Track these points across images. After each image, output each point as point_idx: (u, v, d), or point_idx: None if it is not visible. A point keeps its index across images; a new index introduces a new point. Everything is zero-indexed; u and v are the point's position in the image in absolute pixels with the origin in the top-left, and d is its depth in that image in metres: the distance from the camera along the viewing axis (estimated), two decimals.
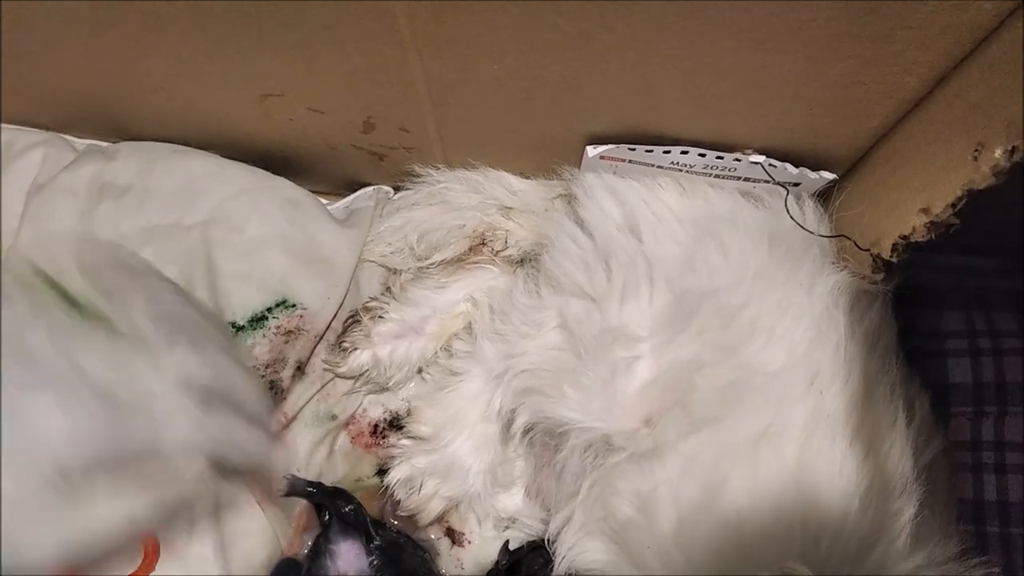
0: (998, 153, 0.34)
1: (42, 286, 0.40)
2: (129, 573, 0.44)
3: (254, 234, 0.53)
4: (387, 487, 0.53)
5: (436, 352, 0.57)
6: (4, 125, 0.58)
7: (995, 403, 0.57)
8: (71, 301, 0.40)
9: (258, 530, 0.50)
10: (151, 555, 0.44)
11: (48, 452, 0.35)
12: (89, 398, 0.36)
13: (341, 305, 0.56)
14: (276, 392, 0.51)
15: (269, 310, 0.52)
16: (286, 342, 0.52)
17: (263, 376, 0.51)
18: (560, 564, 0.49)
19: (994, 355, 0.58)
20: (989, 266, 0.63)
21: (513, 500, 0.57)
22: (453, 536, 0.56)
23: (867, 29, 0.36)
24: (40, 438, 0.35)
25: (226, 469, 0.42)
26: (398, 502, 0.53)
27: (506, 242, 0.58)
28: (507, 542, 0.55)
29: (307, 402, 0.54)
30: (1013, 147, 0.33)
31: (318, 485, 0.52)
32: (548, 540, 0.50)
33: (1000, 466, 0.56)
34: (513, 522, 0.56)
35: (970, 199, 0.40)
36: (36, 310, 0.39)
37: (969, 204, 0.44)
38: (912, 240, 0.42)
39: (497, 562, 0.55)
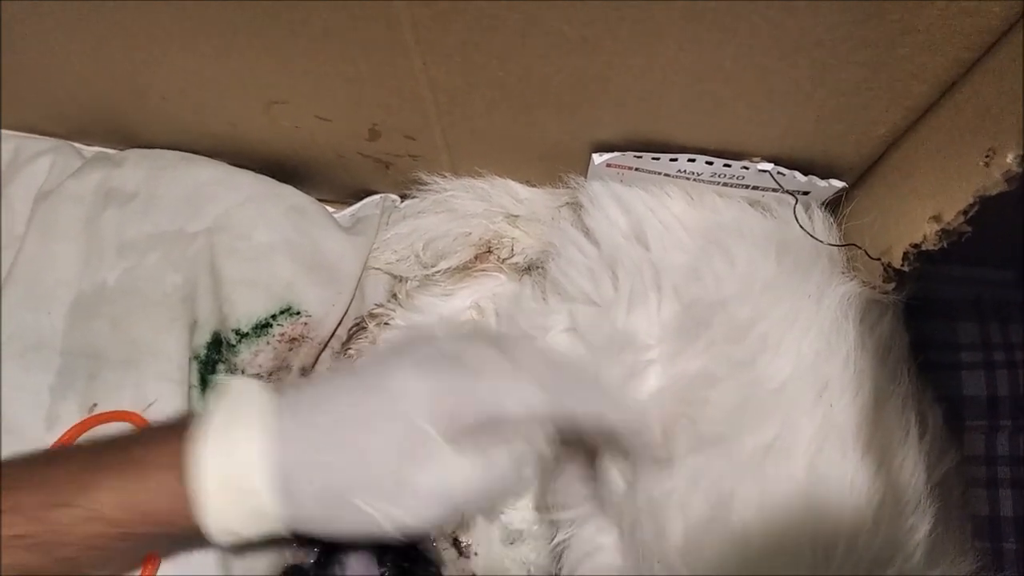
0: (1010, 158, 0.33)
1: None
2: None
3: (260, 241, 0.53)
4: None
5: None
6: (13, 133, 0.58)
7: (1010, 417, 0.56)
8: None
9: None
10: (152, 561, 0.44)
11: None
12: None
13: (346, 312, 0.55)
14: None
15: (274, 317, 0.52)
16: (290, 349, 0.52)
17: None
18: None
19: (1009, 368, 0.57)
20: (1006, 278, 0.62)
21: (521, 514, 0.56)
22: (459, 547, 0.55)
23: (873, 34, 0.36)
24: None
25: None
26: None
27: (512, 250, 0.58)
28: None
29: None
30: None
31: None
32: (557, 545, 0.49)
33: (1017, 481, 0.55)
34: (520, 535, 0.56)
35: (985, 209, 0.39)
36: None
37: (984, 215, 0.43)
38: (923, 248, 0.41)
39: None
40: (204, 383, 0.50)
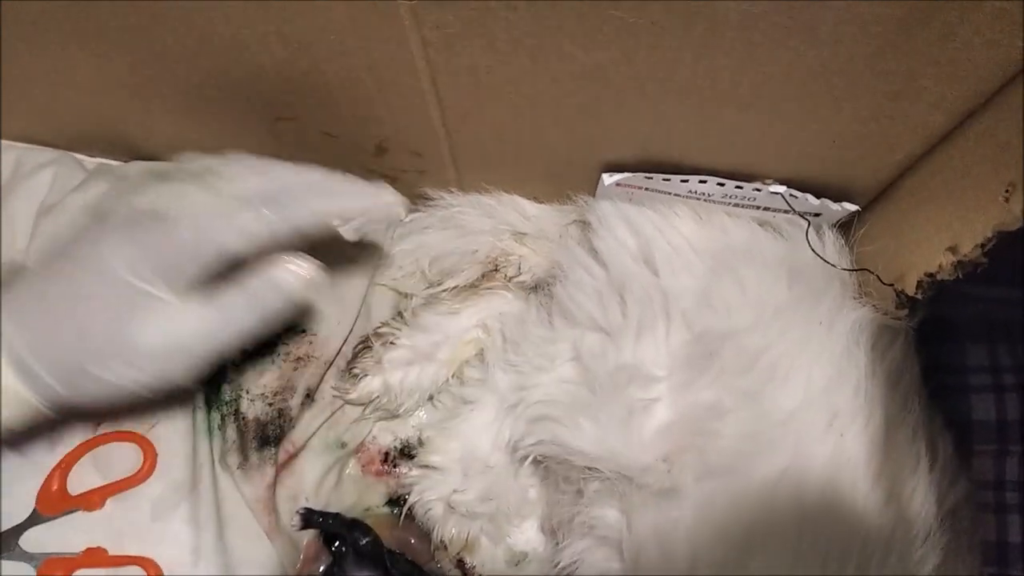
0: None
1: None
2: (130, 475, 0.47)
3: None
4: (402, 517, 0.53)
5: (448, 379, 0.56)
6: (13, 144, 0.57)
7: (1020, 441, 0.56)
8: None
9: (265, 559, 0.49)
10: (150, 458, 0.46)
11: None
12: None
13: (351, 330, 0.55)
14: (285, 420, 0.51)
15: (279, 336, 0.52)
16: (295, 369, 0.51)
17: (271, 404, 0.51)
18: None
19: (1019, 391, 0.56)
20: (1014, 296, 0.61)
21: (526, 536, 0.56)
22: (464, 569, 0.54)
23: (894, 65, 0.35)
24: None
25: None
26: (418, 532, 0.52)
27: (519, 268, 0.57)
28: None
29: (316, 430, 0.53)
30: None
31: (335, 516, 0.51)
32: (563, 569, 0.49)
33: None
34: (526, 557, 0.55)
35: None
36: None
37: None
38: (939, 278, 0.41)
39: None
40: (208, 404, 0.50)
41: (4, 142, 0.58)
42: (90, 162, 0.59)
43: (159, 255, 0.37)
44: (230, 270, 0.39)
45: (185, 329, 0.38)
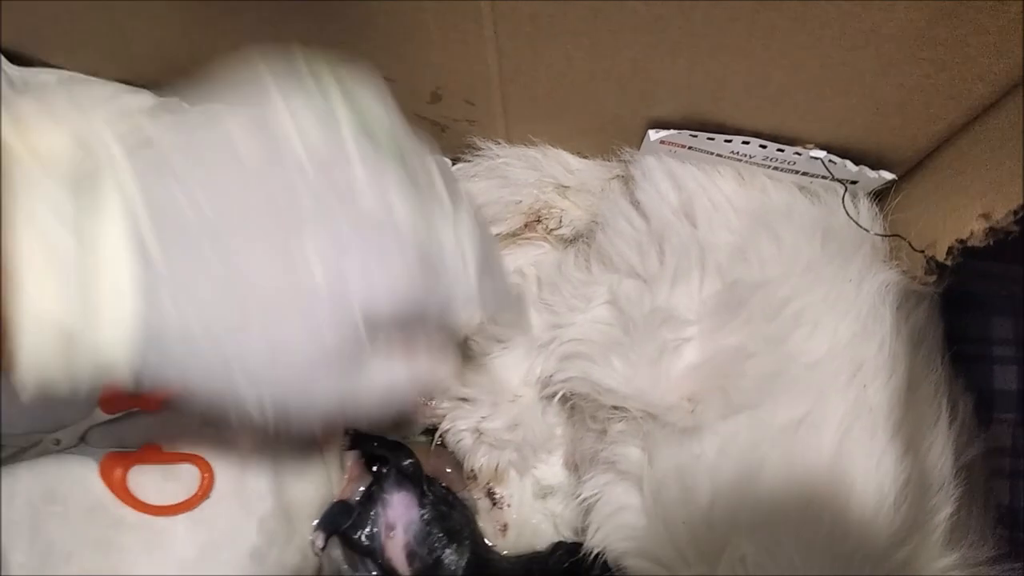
0: None
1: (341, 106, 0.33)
2: (188, 497, 0.47)
3: None
4: (434, 444, 0.56)
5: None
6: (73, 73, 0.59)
7: None
8: (371, 135, 0.34)
9: (314, 472, 0.52)
10: (207, 479, 0.47)
11: (364, 305, 0.31)
12: (406, 250, 0.32)
13: None
14: None
15: None
16: None
17: None
18: (595, 533, 0.51)
19: None
20: None
21: (552, 470, 0.59)
22: (494, 499, 0.58)
23: (943, 33, 0.37)
24: (357, 290, 0.31)
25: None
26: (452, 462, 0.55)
27: (560, 221, 0.59)
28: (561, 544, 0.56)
29: None
30: None
31: (381, 439, 0.55)
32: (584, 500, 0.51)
33: None
34: (552, 490, 0.58)
35: None
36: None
37: None
38: (969, 244, 0.43)
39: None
40: None
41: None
42: None
43: None
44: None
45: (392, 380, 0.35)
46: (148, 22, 0.52)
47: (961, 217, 0.43)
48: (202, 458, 0.49)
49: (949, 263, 0.45)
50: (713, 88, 0.46)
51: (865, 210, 0.52)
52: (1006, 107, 0.40)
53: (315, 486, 0.51)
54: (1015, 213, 0.38)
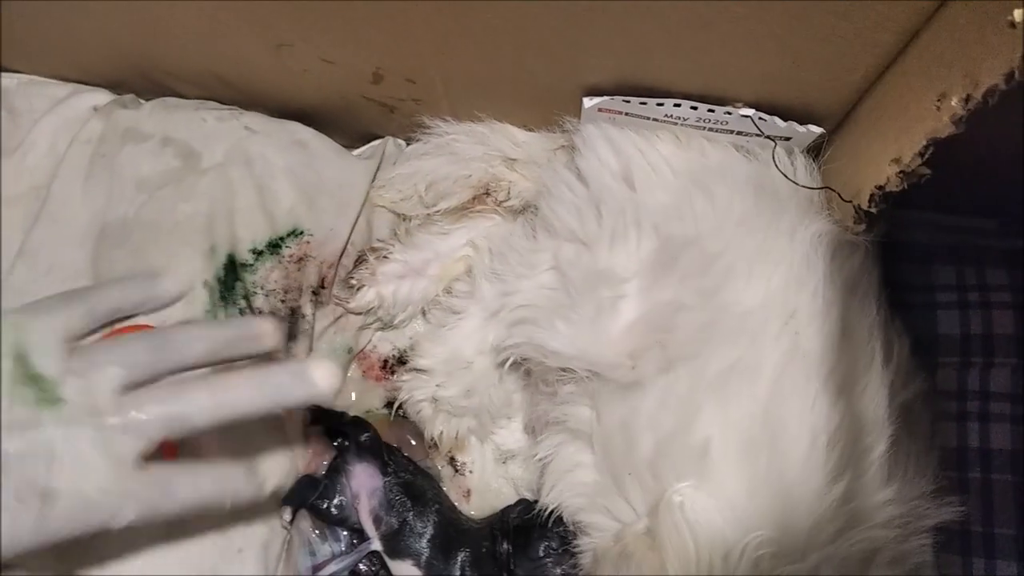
0: (954, 102, 0.35)
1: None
2: None
3: (267, 171, 0.58)
4: (393, 415, 0.58)
5: (438, 294, 0.60)
6: (32, 77, 0.62)
7: (981, 354, 0.59)
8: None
9: (281, 450, 0.54)
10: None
11: None
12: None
13: (349, 240, 0.60)
14: (300, 317, 0.57)
15: (282, 238, 0.58)
16: (298, 269, 0.57)
17: (283, 302, 0.56)
18: (550, 491, 0.52)
19: (983, 308, 0.60)
20: (987, 227, 0.64)
21: (513, 435, 0.61)
22: (455, 466, 0.60)
23: None
24: None
25: None
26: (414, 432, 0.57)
27: (508, 193, 0.61)
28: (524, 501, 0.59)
29: (322, 332, 0.58)
30: (967, 95, 0.34)
31: (341, 414, 0.57)
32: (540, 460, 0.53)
33: (984, 415, 0.58)
34: (512, 455, 0.60)
35: (972, 161, 0.40)
36: None
37: (970, 166, 0.45)
38: (887, 190, 0.44)
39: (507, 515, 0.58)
40: (224, 298, 0.55)
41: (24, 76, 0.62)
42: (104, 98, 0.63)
43: None
44: None
45: None
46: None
47: (879, 164, 0.45)
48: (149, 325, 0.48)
49: (874, 211, 0.46)
50: (636, 51, 0.47)
51: (801, 166, 0.53)
52: (910, 53, 0.42)
53: (281, 462, 0.53)
54: (920, 155, 0.40)
